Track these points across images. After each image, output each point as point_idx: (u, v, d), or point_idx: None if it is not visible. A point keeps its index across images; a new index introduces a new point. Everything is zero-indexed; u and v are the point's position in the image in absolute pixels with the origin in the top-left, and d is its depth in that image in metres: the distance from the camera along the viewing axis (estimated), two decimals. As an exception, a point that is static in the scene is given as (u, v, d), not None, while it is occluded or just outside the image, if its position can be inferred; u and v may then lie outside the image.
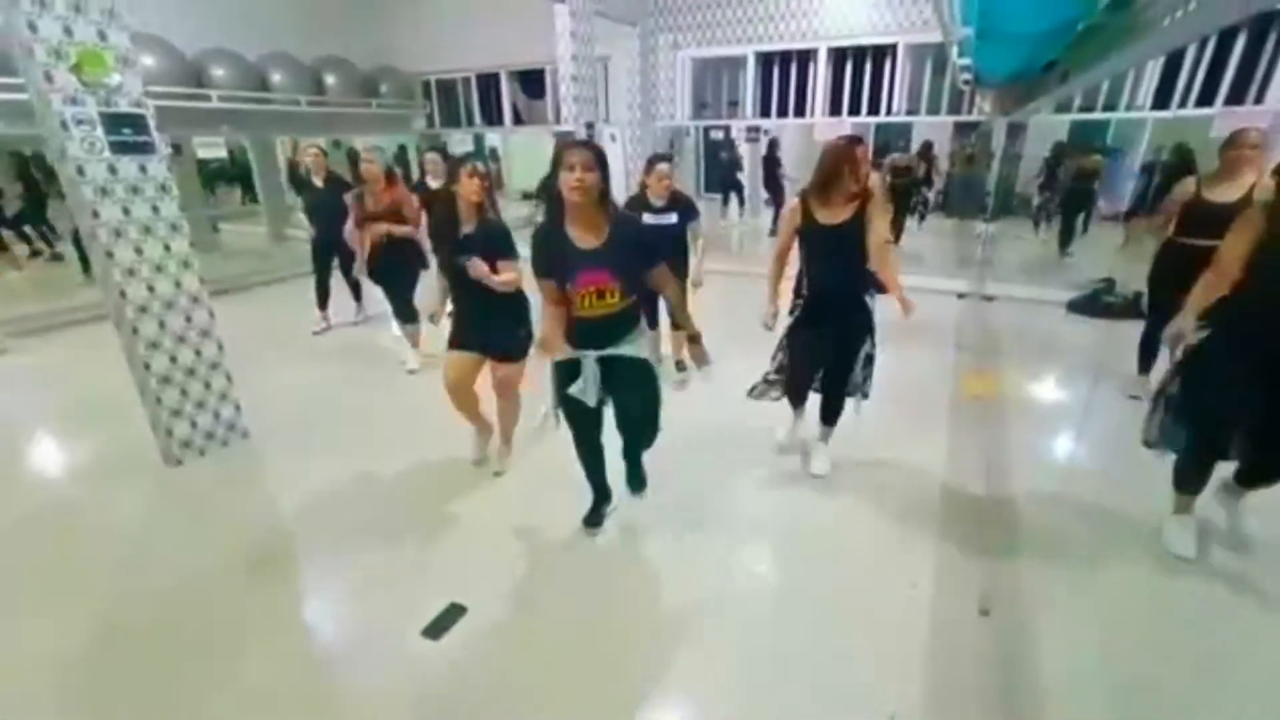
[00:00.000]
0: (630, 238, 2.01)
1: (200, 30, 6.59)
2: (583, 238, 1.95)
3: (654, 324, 3.74)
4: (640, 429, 2.34)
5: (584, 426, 2.29)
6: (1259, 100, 5.27)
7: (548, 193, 1.75)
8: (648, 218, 3.32)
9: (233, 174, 12.14)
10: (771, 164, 9.17)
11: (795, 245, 2.57)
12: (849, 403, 2.78)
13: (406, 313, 4.14)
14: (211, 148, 6.89)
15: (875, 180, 3.55)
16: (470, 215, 2.46)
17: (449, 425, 2.90)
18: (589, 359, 2.07)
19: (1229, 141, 2.91)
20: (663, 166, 3.39)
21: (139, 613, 2.09)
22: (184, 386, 3.00)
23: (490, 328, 2.60)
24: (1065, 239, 7.39)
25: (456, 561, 2.31)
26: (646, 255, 2.07)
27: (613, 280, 1.96)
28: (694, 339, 2.20)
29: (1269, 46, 5.07)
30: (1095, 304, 5.00)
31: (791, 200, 2.60)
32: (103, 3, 2.51)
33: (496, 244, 2.47)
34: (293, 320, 5.29)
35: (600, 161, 1.87)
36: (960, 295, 5.80)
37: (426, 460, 3.05)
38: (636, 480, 2.63)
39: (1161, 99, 5.37)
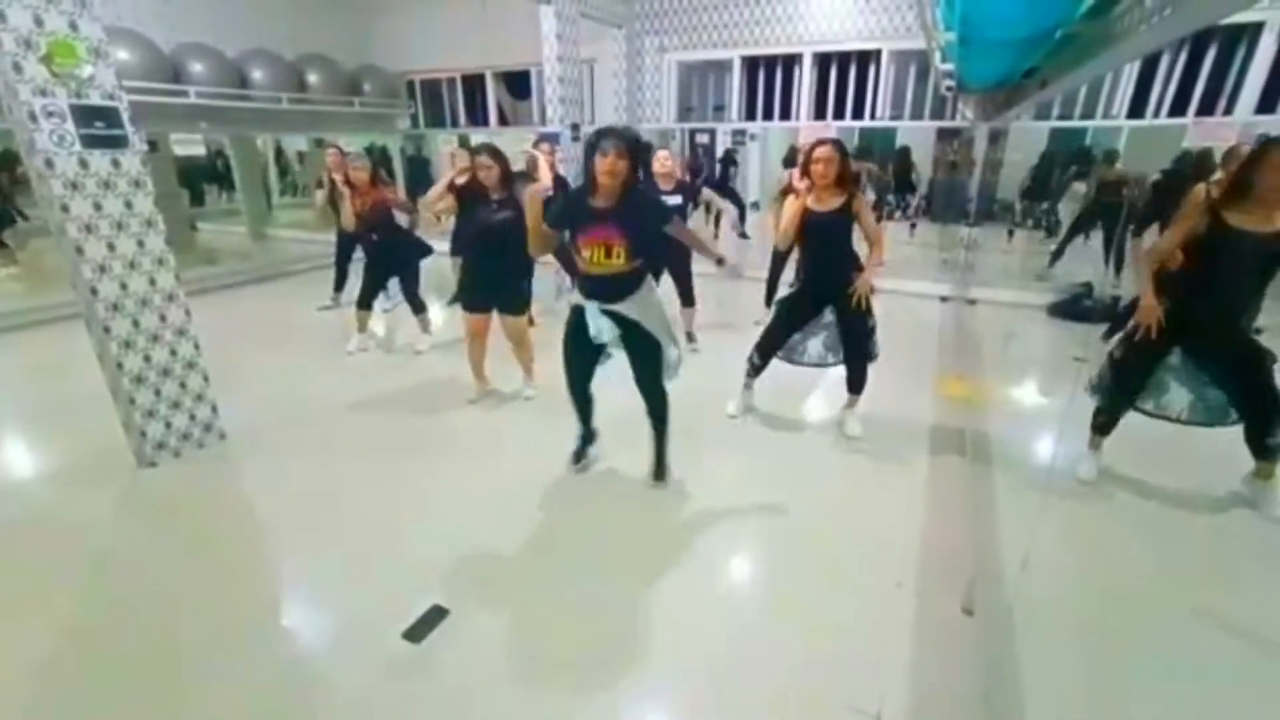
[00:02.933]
0: (638, 204, 2.27)
1: (179, 25, 6.47)
2: (600, 201, 2.24)
3: (689, 301, 4.31)
4: (646, 390, 2.58)
5: (576, 372, 2.61)
6: (1228, 111, 5.42)
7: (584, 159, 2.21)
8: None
9: (211, 173, 11.93)
10: (727, 166, 9.34)
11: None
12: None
13: (417, 303, 4.52)
14: (189, 145, 6.76)
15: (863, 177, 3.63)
16: (497, 187, 3.07)
17: (427, 425, 2.87)
18: (593, 306, 2.38)
19: (1268, 155, 2.13)
20: (663, 153, 3.56)
21: (106, 620, 2.03)
22: (158, 387, 2.93)
23: (500, 286, 3.25)
24: (1059, 253, 7.42)
25: (438, 562, 2.27)
26: (658, 214, 2.36)
27: (620, 238, 2.23)
28: (720, 261, 2.51)
29: (1238, 58, 5.22)
30: (1076, 308, 5.08)
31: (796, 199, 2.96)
32: (75, -8, 2.44)
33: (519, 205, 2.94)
34: (273, 319, 5.21)
35: (632, 150, 2.14)
36: (943, 299, 5.86)
37: (406, 461, 3.01)
38: (660, 468, 2.74)
39: (1137, 107, 5.49)
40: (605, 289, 2.36)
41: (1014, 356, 4.48)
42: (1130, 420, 2.64)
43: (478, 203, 3.10)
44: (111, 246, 2.70)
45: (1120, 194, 7.14)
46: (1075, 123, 6.28)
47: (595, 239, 2.24)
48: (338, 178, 4.47)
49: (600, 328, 2.39)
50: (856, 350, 3.04)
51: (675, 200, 3.67)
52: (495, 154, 3.06)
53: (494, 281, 3.22)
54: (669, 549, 2.36)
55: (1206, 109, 5.46)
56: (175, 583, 2.19)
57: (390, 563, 2.29)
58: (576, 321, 2.47)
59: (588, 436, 2.85)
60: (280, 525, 2.55)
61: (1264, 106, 5.23)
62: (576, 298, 2.47)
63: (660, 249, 3.29)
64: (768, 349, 3.19)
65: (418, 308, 4.52)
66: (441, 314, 5.18)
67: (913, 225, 8.80)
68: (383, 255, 4.31)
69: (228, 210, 10.64)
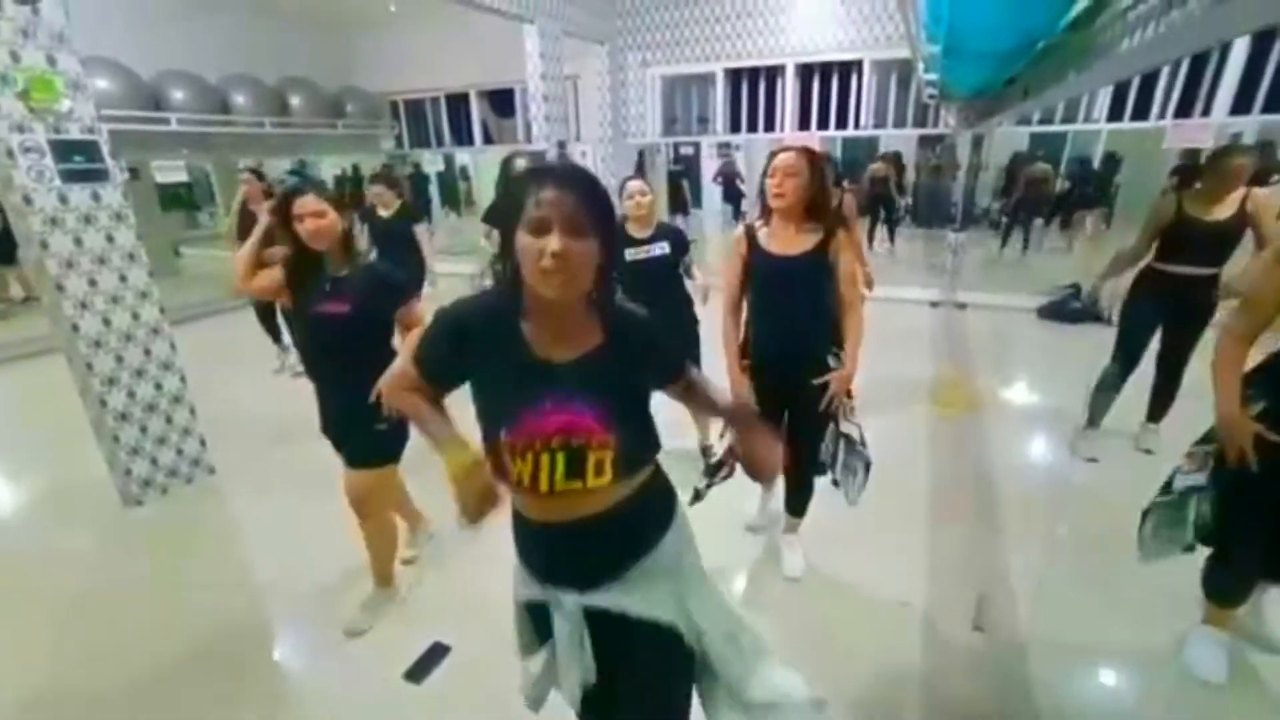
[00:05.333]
0: (626, 329, 1.04)
1: (158, 52, 6.43)
2: (551, 343, 0.99)
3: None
4: None
5: None
6: (1205, 113, 5.52)
7: (500, 228, 0.96)
8: (630, 253, 2.63)
9: (189, 199, 11.83)
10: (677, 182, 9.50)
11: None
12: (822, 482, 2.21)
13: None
14: (171, 171, 6.68)
15: (849, 203, 3.44)
16: (335, 252, 1.81)
17: (426, 455, 2.79)
18: (564, 606, 1.06)
19: (1220, 155, 2.64)
20: (633, 184, 2.64)
21: (92, 669, 1.96)
22: (143, 423, 2.86)
23: (338, 414, 1.91)
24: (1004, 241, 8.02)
25: (438, 598, 2.22)
26: (666, 362, 1.16)
27: (599, 428, 0.96)
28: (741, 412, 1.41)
29: (1213, 59, 5.32)
30: (1065, 309, 5.13)
31: (736, 230, 2.06)
32: (52, 26, 2.40)
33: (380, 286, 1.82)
34: (262, 346, 5.12)
35: (599, 210, 0.93)
36: (933, 304, 5.89)
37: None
38: None
39: (1116, 111, 5.57)
40: (576, 550, 1.06)
41: (1010, 360, 4.49)
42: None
43: (309, 279, 1.81)
44: (93, 281, 2.65)
45: (1042, 189, 7.57)
46: (1056, 127, 6.37)
47: (543, 435, 0.95)
48: (258, 210, 3.63)
49: (568, 671, 1.07)
50: (800, 466, 2.10)
51: (659, 249, 2.66)
52: (329, 196, 1.78)
53: (326, 401, 1.94)
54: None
55: (1184, 111, 5.56)
56: (162, 627, 2.12)
57: (389, 598, 2.22)
58: (532, 634, 1.17)
59: None
60: (272, 563, 2.48)
61: (1238, 107, 5.34)
62: (519, 584, 1.15)
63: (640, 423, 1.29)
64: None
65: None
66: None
67: (891, 233, 8.65)
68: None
69: (213, 236, 10.55)
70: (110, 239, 2.67)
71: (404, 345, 1.83)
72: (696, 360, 2.69)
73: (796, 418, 2.06)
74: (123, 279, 2.73)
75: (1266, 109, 5.26)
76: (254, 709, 1.80)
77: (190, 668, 1.95)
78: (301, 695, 1.88)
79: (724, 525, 2.48)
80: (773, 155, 1.90)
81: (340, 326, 1.77)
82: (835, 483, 2.16)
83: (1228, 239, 2.61)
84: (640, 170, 7.82)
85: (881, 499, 2.77)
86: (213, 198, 10.50)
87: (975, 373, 4.19)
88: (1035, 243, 8.12)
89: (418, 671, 1.87)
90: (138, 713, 1.80)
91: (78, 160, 2.53)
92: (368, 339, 1.82)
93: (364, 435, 1.85)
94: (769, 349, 2.02)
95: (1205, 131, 5.56)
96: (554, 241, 0.88)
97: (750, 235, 1.98)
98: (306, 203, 1.71)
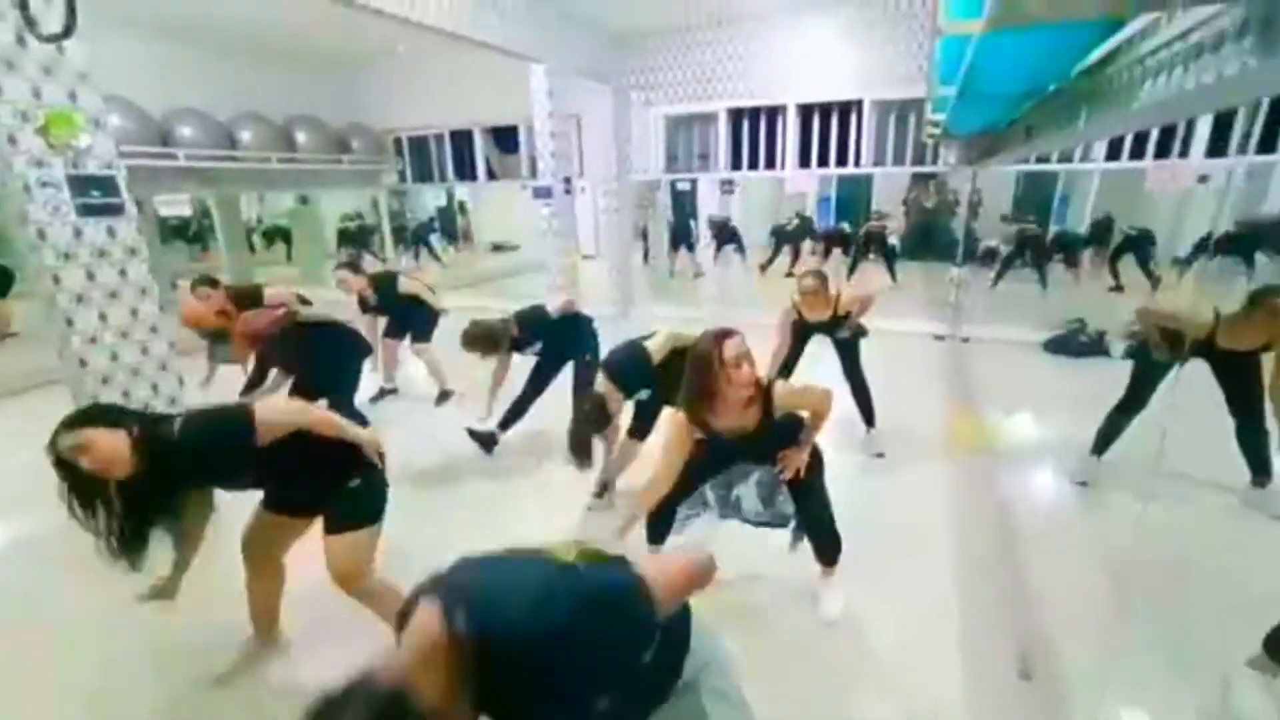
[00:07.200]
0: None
1: (170, 91, 6.50)
2: None
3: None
4: None
5: None
6: (1183, 154, 5.65)
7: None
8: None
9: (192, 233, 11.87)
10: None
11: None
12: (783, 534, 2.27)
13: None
14: (174, 205, 6.72)
15: (848, 298, 3.32)
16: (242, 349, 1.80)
17: (438, 480, 2.73)
18: None
19: (1258, 301, 2.60)
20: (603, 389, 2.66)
21: (94, 710, 1.85)
22: (147, 460, 2.78)
23: (305, 490, 1.78)
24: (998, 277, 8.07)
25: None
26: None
27: None
28: None
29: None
30: (1071, 343, 5.15)
31: (675, 416, 1.96)
32: (76, 65, 2.42)
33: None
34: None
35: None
36: (938, 338, 5.92)
37: (412, 525, 2.87)
38: None
39: (1113, 151, 5.70)
40: None
41: (1020, 393, 4.48)
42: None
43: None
44: (104, 316, 2.61)
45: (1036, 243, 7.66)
46: (1050, 165, 6.51)
47: None
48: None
49: None
50: (816, 523, 2.17)
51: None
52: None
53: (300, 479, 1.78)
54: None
55: (1162, 153, 5.68)
56: (175, 677, 2.02)
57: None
58: None
59: None
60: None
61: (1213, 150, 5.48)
62: None
63: None
64: (662, 510, 2.16)
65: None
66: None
67: (891, 272, 8.67)
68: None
69: (213, 267, 10.55)
70: (123, 273, 2.64)
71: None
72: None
73: (791, 486, 2.11)
74: (134, 313, 2.69)
75: (1241, 150, 5.40)
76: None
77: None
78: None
79: (757, 560, 2.42)
80: (718, 340, 1.77)
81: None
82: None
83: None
84: (644, 224, 7.88)
85: (904, 535, 2.72)
86: (213, 231, 10.53)
87: (988, 409, 4.17)
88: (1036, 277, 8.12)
89: None
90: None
91: (95, 195, 2.52)
92: (298, 438, 1.66)
93: (339, 497, 1.76)
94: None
95: (1186, 173, 5.69)
96: None
97: (699, 421, 1.89)
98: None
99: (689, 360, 1.86)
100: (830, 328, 3.34)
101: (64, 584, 2.56)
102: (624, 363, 2.71)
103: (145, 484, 1.52)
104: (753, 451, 2.04)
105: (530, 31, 5.27)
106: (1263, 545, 2.57)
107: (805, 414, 2.02)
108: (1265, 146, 5.18)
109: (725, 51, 6.64)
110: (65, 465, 1.45)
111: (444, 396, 4.38)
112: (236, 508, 1.96)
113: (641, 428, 2.85)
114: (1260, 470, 2.80)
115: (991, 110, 3.10)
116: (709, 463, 2.09)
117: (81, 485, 1.48)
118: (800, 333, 3.41)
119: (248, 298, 3.23)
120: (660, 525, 2.22)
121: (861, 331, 3.38)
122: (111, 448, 1.45)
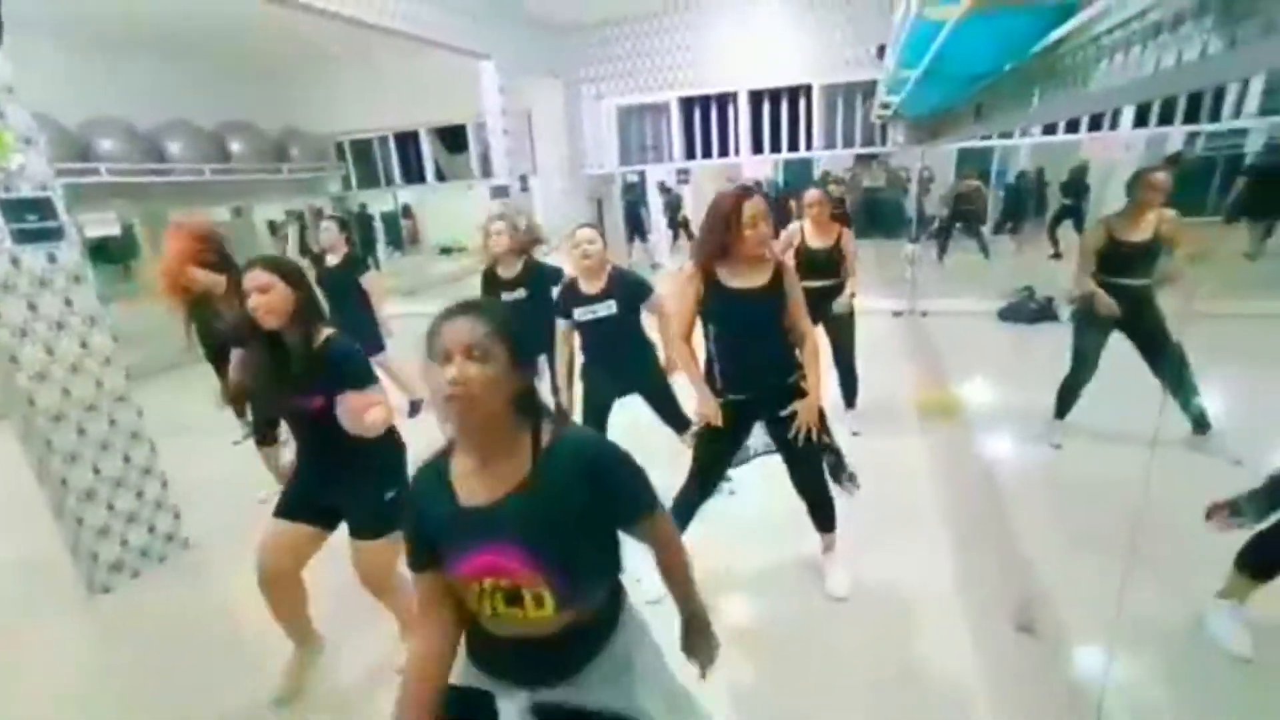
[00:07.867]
0: (578, 471, 1.00)
1: (85, 100, 6.04)
2: (476, 483, 1.00)
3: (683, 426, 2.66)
4: None
5: None
6: (1113, 127, 6.03)
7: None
8: (578, 312, 2.53)
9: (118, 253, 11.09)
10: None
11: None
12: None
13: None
14: (101, 225, 6.24)
15: (849, 238, 3.42)
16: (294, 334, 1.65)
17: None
18: (512, 700, 1.04)
19: (1139, 183, 2.84)
20: (582, 233, 2.45)
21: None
22: (111, 500, 2.61)
23: (340, 482, 1.75)
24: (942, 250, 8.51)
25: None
26: (618, 501, 1.06)
27: (526, 569, 0.96)
28: (695, 621, 1.23)
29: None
30: (1023, 310, 5.41)
31: (686, 266, 2.07)
32: (2, 78, 2.22)
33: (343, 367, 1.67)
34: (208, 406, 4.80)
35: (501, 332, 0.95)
36: (896, 314, 6.10)
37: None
38: None
39: (1049, 126, 5.98)
40: (527, 661, 1.06)
41: (983, 363, 4.67)
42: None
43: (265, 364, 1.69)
44: (50, 350, 2.41)
45: (973, 201, 8.13)
46: (985, 142, 6.78)
47: (468, 569, 0.99)
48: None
49: None
50: (810, 485, 2.19)
51: (606, 308, 2.49)
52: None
53: (324, 475, 1.78)
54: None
55: (1095, 125, 6.04)
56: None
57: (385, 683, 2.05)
58: None
59: None
60: (259, 648, 2.12)
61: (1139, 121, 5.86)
62: (464, 672, 1.12)
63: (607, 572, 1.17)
64: (693, 500, 2.19)
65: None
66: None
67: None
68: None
69: (138, 291, 9.89)
70: (69, 302, 2.45)
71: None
72: (672, 401, 2.66)
73: (786, 446, 2.08)
74: (84, 345, 2.50)
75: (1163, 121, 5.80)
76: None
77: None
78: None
79: (764, 541, 2.45)
80: (738, 199, 1.86)
81: (319, 415, 1.65)
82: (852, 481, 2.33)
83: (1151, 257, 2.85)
84: (599, 216, 7.88)
85: (893, 509, 2.81)
86: (138, 251, 9.89)
87: (956, 380, 4.33)
88: (977, 248, 8.58)
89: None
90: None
91: (31, 219, 2.32)
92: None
93: (372, 503, 1.74)
94: (743, 386, 2.03)
95: (1119, 145, 6.05)
96: (452, 369, 0.91)
97: (707, 272, 1.96)
98: (254, 276, 1.58)
99: (707, 214, 1.93)
100: (828, 294, 3.30)
101: (34, 638, 2.38)
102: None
103: (267, 350, 1.64)
104: (766, 313, 1.97)
105: (476, 27, 5.13)
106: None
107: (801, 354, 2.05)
108: (1189, 118, 5.56)
109: (675, 41, 6.64)
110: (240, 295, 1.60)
111: (415, 409, 4.24)
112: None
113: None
114: (1198, 424, 2.94)
115: (950, 90, 3.19)
116: (732, 436, 2.12)
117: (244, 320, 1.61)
118: (804, 261, 3.29)
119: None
120: (691, 507, 2.18)
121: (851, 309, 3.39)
122: (283, 300, 1.59)
